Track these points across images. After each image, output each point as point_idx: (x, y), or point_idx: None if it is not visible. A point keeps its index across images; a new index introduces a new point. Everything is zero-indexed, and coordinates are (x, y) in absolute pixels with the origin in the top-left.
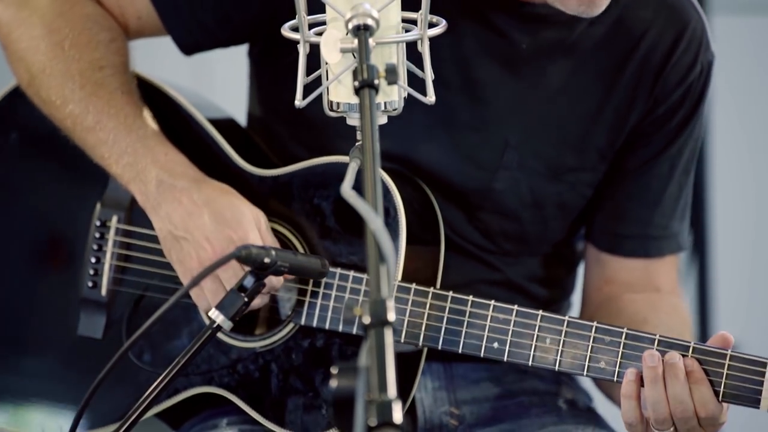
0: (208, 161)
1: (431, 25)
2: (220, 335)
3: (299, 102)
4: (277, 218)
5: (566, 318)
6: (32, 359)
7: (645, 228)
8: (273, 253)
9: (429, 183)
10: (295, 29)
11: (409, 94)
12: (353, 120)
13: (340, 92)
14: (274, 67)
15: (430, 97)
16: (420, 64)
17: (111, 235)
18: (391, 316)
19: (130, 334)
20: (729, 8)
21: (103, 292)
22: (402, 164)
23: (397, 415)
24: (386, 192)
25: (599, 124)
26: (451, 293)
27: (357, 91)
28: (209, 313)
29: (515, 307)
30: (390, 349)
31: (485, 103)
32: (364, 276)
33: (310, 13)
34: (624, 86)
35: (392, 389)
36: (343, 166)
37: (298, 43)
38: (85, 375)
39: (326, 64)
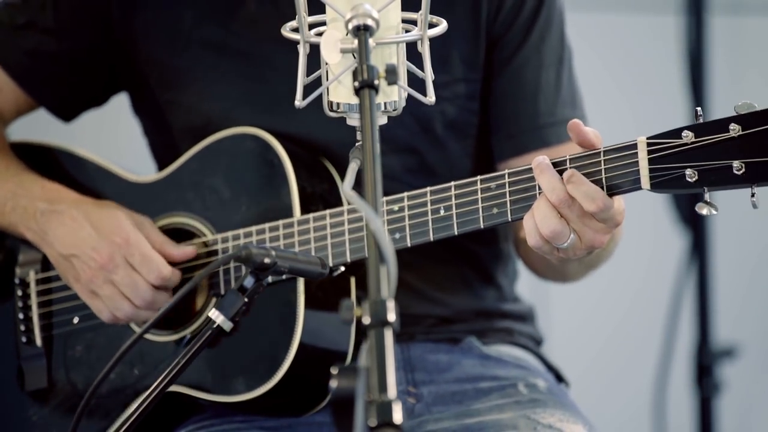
0: (94, 184)
1: (431, 26)
2: (148, 336)
3: (299, 102)
4: (180, 211)
5: (452, 183)
6: None
7: (534, 119)
8: (273, 253)
9: (316, 149)
10: (296, 29)
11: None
12: (353, 120)
13: (340, 92)
14: (148, 103)
15: (431, 97)
16: (420, 64)
17: (32, 288)
18: (392, 317)
19: (72, 368)
20: (729, 8)
21: (38, 342)
22: (283, 138)
23: (397, 415)
24: (267, 146)
25: (454, 33)
26: (345, 207)
27: (357, 92)
28: (209, 314)
29: (405, 194)
30: (390, 349)
31: None
32: (266, 227)
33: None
34: None
35: (392, 389)
36: (222, 141)
37: (298, 43)
38: (44, 426)
39: (326, 64)
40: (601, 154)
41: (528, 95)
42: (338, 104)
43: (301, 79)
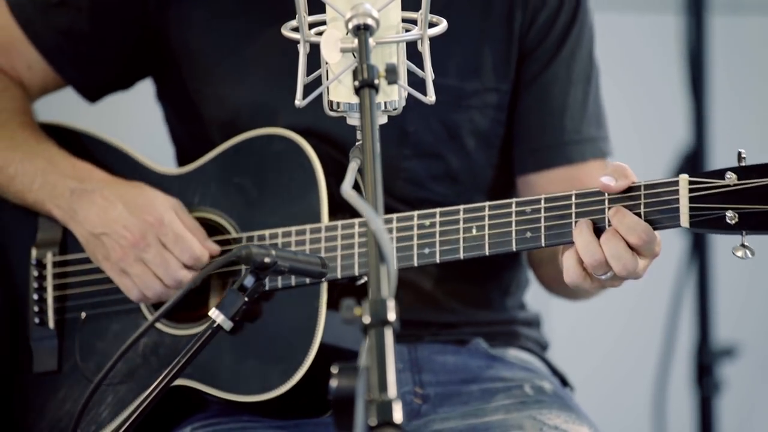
0: (123, 171)
1: (431, 25)
2: (165, 329)
3: (299, 102)
4: (206, 207)
5: (486, 204)
6: None
7: (558, 135)
8: (273, 252)
9: (344, 148)
10: (296, 29)
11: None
12: (353, 120)
13: (340, 92)
14: (174, 93)
15: (431, 97)
16: (420, 64)
17: (49, 270)
18: (392, 316)
19: (83, 356)
20: (729, 8)
21: (51, 324)
22: (313, 137)
23: (398, 414)
24: (299, 149)
25: (486, 42)
26: None
27: (357, 91)
28: (209, 313)
29: (438, 209)
30: (390, 349)
31: None
32: (292, 230)
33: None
34: (500, 2)
35: (392, 389)
36: (253, 140)
37: (298, 42)
38: (53, 410)
39: (326, 63)
40: (642, 188)
41: (555, 111)
42: (338, 104)
43: (302, 79)
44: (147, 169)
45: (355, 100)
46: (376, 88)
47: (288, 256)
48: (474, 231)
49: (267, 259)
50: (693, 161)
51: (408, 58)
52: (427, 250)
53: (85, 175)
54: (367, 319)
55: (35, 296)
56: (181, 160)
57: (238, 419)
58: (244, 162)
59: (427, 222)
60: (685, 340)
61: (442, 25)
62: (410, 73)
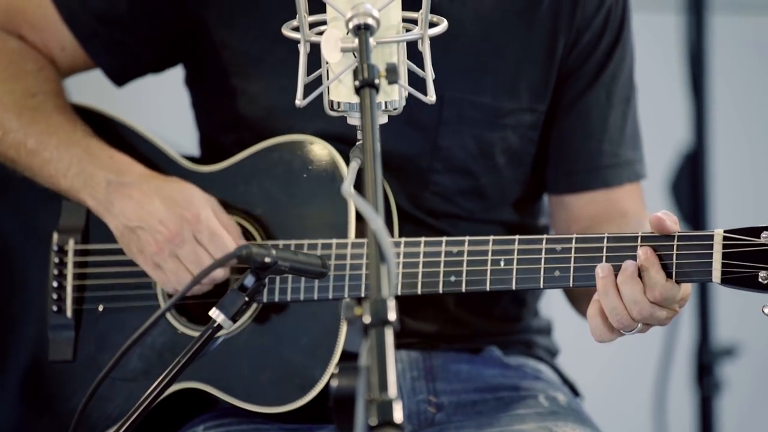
0: (154, 166)
1: (432, 25)
2: (185, 331)
3: (299, 101)
4: (234, 209)
5: (516, 237)
6: (6, 394)
7: (596, 159)
8: (273, 252)
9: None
10: (296, 29)
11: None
12: (354, 119)
13: (340, 92)
14: (205, 83)
15: (431, 97)
16: (420, 63)
17: (70, 258)
18: (392, 316)
19: (100, 349)
20: (729, 8)
21: (69, 314)
22: (345, 144)
23: (398, 414)
24: (332, 161)
25: (527, 62)
26: (403, 239)
27: (358, 91)
28: (209, 313)
29: (467, 237)
30: (391, 349)
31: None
32: (318, 243)
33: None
34: (544, 21)
35: (392, 389)
36: (286, 145)
37: (298, 42)
38: (64, 400)
39: (327, 63)
40: (675, 238)
41: (594, 134)
42: (339, 103)
43: (302, 79)
44: (176, 163)
45: (355, 99)
46: (376, 88)
47: (288, 257)
48: (502, 264)
49: (267, 259)
50: (693, 161)
51: (409, 58)
52: (453, 278)
53: (124, 168)
54: (367, 319)
55: (54, 283)
56: (205, 147)
57: (251, 420)
58: (275, 167)
59: (454, 249)
60: (685, 340)
61: (443, 24)
62: (410, 72)
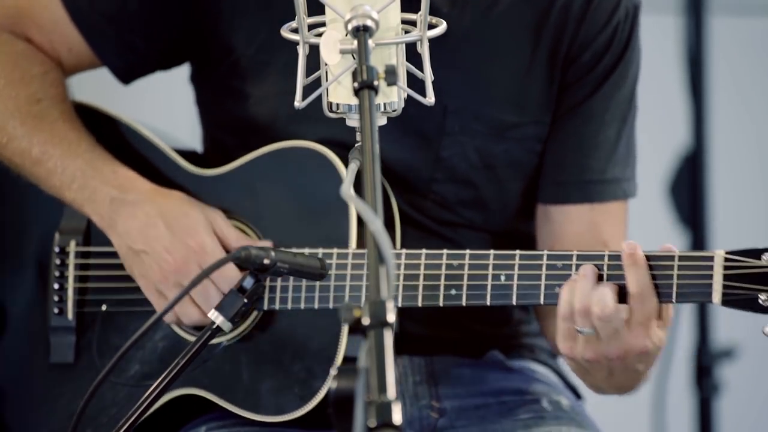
0: (156, 170)
1: (431, 27)
2: (187, 337)
3: (299, 103)
4: (236, 214)
5: (517, 252)
6: (7, 396)
7: (583, 173)
8: (272, 254)
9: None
10: (295, 30)
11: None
12: (352, 121)
13: (339, 93)
14: (211, 83)
15: (430, 98)
16: (419, 65)
17: (71, 260)
18: (391, 317)
19: (101, 352)
20: (729, 8)
21: (70, 316)
22: (348, 150)
23: (397, 416)
24: (335, 171)
25: (533, 76)
26: (404, 251)
27: (356, 93)
28: (209, 314)
29: (467, 251)
30: (390, 350)
31: None
32: (319, 251)
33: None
34: (549, 35)
35: (392, 390)
36: (290, 151)
37: (297, 44)
38: (65, 402)
39: (326, 65)
40: (676, 258)
41: (584, 148)
42: (338, 105)
43: (301, 80)
44: (178, 167)
45: (354, 101)
46: (375, 90)
47: (287, 258)
48: (503, 279)
49: (266, 261)
50: (692, 164)
51: (409, 60)
52: (453, 292)
53: (127, 185)
54: (366, 321)
55: (56, 285)
56: (208, 144)
57: (252, 421)
58: (278, 173)
59: (455, 263)
60: (684, 342)
61: (442, 26)
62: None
